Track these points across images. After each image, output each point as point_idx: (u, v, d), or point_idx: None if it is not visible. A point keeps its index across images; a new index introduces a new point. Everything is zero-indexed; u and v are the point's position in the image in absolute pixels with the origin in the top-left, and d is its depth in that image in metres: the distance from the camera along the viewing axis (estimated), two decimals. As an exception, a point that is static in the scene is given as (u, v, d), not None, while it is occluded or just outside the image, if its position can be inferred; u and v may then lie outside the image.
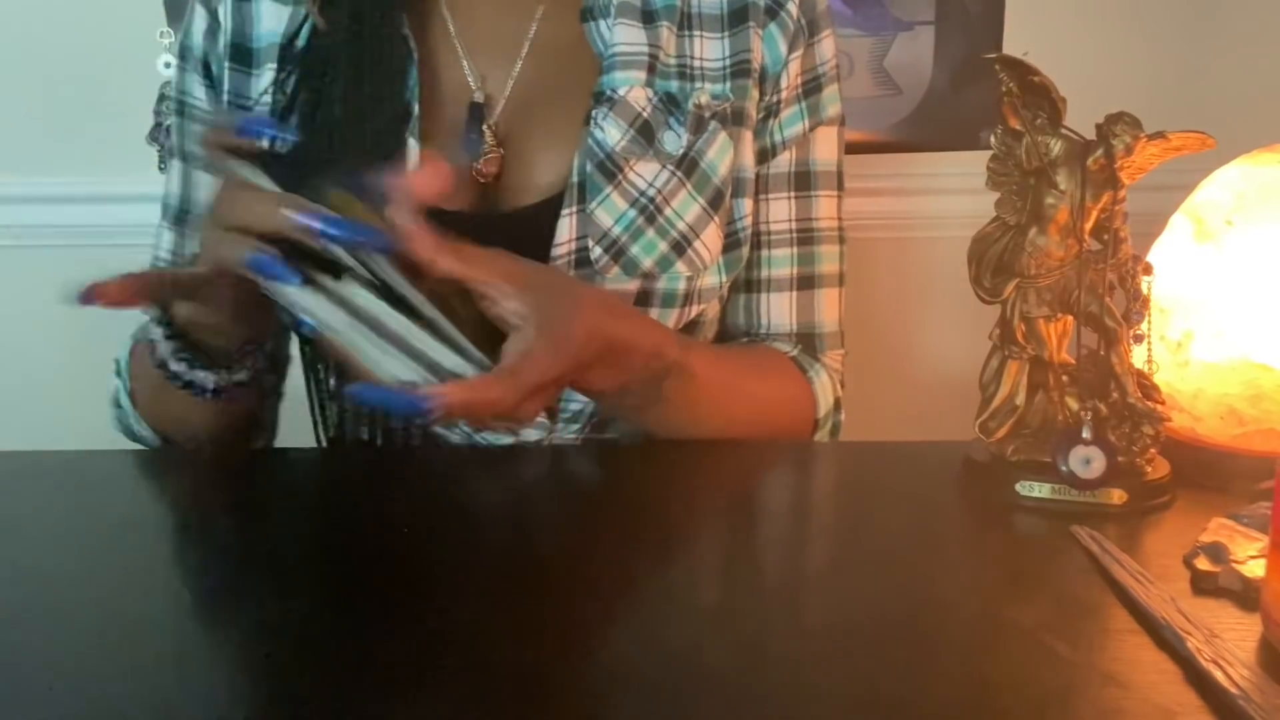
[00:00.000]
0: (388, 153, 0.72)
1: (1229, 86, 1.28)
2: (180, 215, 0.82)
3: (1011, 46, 1.28)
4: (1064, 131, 0.60)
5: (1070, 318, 0.62)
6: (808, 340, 0.83)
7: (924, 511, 0.63)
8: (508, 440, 0.75)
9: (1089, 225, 0.60)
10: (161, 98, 1.33)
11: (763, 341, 0.84)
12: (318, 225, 0.53)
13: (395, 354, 0.54)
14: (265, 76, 0.76)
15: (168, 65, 1.32)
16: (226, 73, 0.78)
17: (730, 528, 0.63)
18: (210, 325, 0.64)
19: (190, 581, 0.56)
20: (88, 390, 1.44)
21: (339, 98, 0.72)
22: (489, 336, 0.57)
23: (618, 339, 0.62)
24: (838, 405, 0.83)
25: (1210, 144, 0.61)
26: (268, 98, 0.76)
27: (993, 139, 0.62)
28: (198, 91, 0.79)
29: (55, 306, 1.56)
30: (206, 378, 0.66)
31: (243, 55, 0.77)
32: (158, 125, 1.33)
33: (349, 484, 0.70)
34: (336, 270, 0.55)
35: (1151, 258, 0.66)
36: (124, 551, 0.59)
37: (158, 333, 0.65)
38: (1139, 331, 0.62)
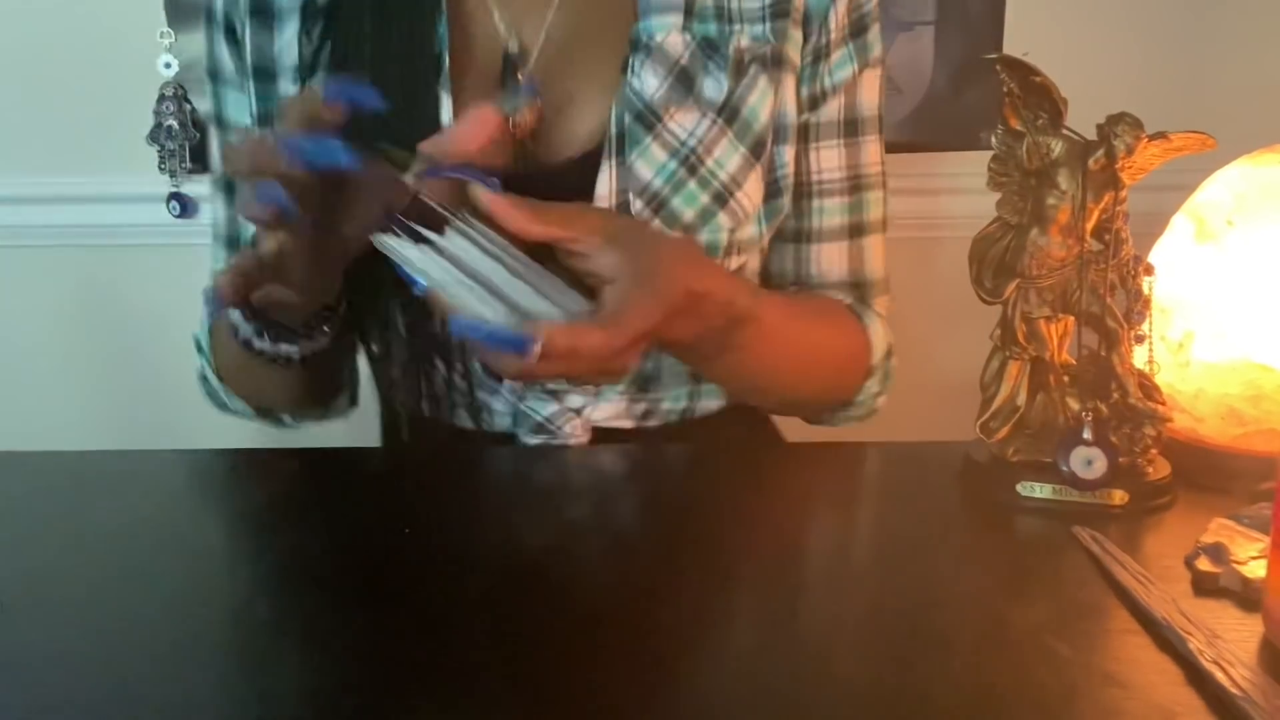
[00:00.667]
0: (418, 104, 0.71)
1: (1229, 87, 1.28)
2: (228, 185, 0.81)
3: (1012, 46, 1.28)
4: (1065, 132, 0.60)
5: (1071, 318, 0.62)
6: (859, 289, 0.82)
7: (925, 512, 0.63)
8: (550, 408, 0.75)
9: (1090, 225, 0.60)
10: (161, 98, 1.33)
11: (814, 289, 0.82)
12: (292, 150, 0.52)
13: (500, 308, 0.53)
14: (289, 32, 0.74)
15: (167, 65, 1.32)
16: (249, 31, 0.75)
17: (732, 528, 0.63)
18: (285, 302, 0.63)
19: (192, 581, 0.56)
20: (88, 390, 1.45)
21: (366, 48, 0.71)
22: (581, 292, 0.57)
23: (697, 288, 0.61)
24: (890, 352, 0.80)
25: (1211, 144, 0.61)
26: (292, 50, 0.74)
27: (994, 139, 0.62)
28: (223, 54, 0.78)
29: (55, 306, 1.57)
30: (291, 350, 0.66)
31: (264, 11, 0.75)
32: (158, 125, 1.33)
33: (362, 485, 0.70)
34: (440, 227, 0.54)
35: (1152, 258, 0.66)
36: (125, 552, 0.59)
37: (236, 315, 0.65)
38: (1140, 332, 0.62)
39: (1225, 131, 0.62)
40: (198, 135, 1.34)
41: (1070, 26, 1.28)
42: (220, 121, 0.80)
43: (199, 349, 0.79)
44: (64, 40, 1.33)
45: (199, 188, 1.35)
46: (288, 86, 0.75)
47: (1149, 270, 0.63)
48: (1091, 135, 0.60)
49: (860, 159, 0.81)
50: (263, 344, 0.65)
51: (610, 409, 0.77)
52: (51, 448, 0.72)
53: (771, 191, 0.78)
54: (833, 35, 0.77)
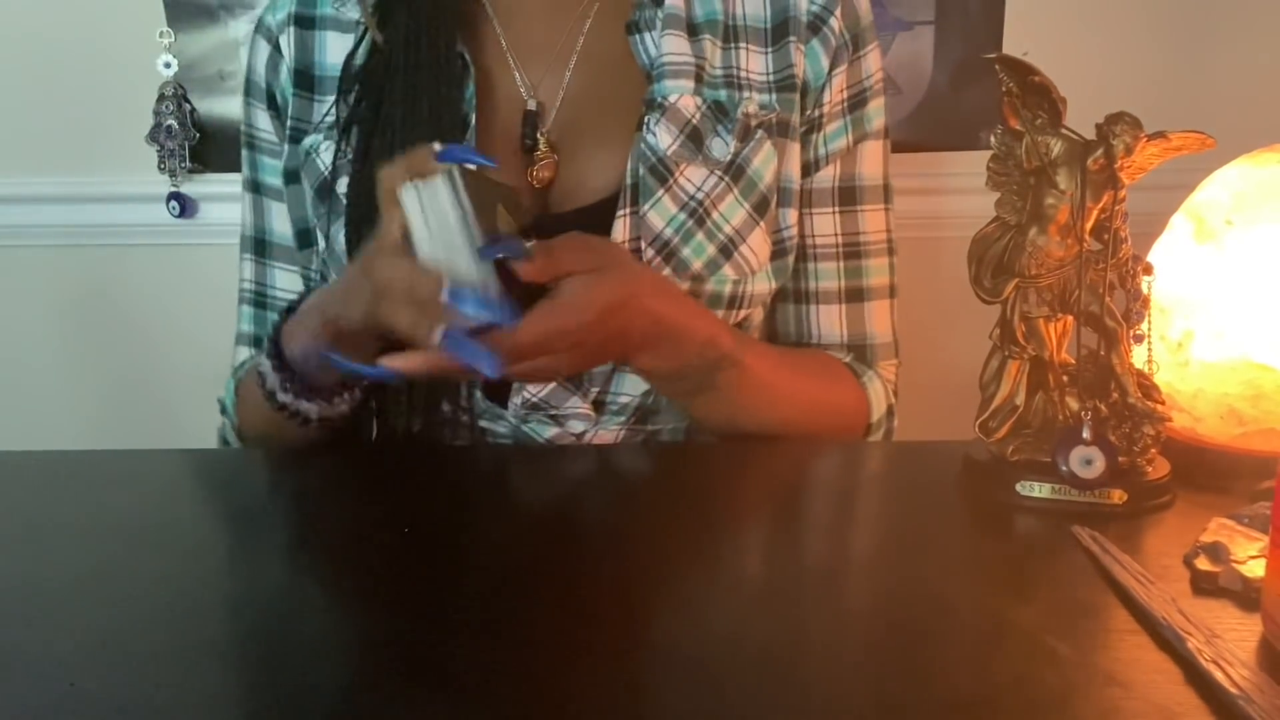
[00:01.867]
0: None
1: (1229, 86, 1.28)
2: (258, 245, 0.85)
3: (1011, 46, 1.28)
4: (1064, 131, 0.60)
5: (1070, 318, 0.62)
6: (860, 351, 0.84)
7: (924, 511, 0.63)
8: (551, 430, 0.76)
9: (1089, 225, 0.60)
10: (161, 97, 1.33)
11: (815, 349, 0.84)
12: (453, 299, 0.57)
13: (442, 250, 0.58)
14: (329, 98, 0.79)
15: (167, 65, 1.32)
16: (291, 100, 0.80)
17: (731, 528, 0.63)
18: (323, 365, 0.67)
19: (192, 580, 0.56)
20: (87, 390, 1.45)
21: (398, 109, 0.75)
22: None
23: (669, 321, 0.65)
24: (890, 412, 0.83)
25: (1210, 144, 0.61)
26: (330, 113, 0.79)
27: (993, 139, 0.62)
28: (262, 123, 0.83)
29: (55, 306, 1.57)
30: (311, 408, 0.70)
31: (307, 82, 0.80)
32: (157, 125, 1.33)
33: (364, 483, 0.70)
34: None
35: (1152, 258, 0.66)
36: (124, 551, 0.59)
37: (267, 365, 0.69)
38: (1139, 331, 0.62)
39: (1225, 131, 0.62)
40: (197, 135, 1.34)
41: (1070, 26, 1.29)
42: (256, 186, 0.85)
43: (222, 410, 0.81)
44: (64, 40, 1.33)
45: (199, 187, 1.36)
46: (319, 142, 0.79)
47: (1148, 270, 0.63)
48: (1090, 135, 0.60)
49: (858, 227, 0.83)
50: (285, 398, 0.69)
51: (609, 436, 0.78)
52: (51, 448, 0.72)
53: (778, 250, 0.80)
54: (826, 109, 0.80)
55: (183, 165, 1.34)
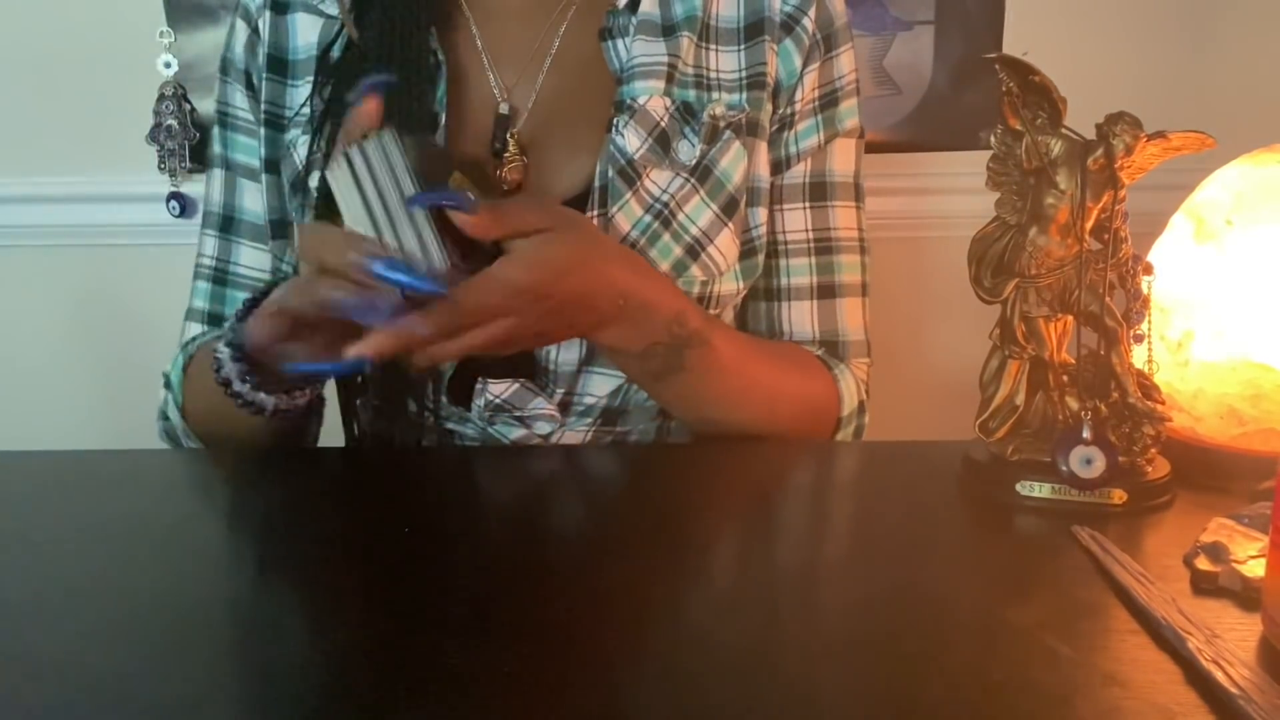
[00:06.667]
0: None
1: (1229, 86, 1.28)
2: (225, 221, 0.85)
3: (1011, 46, 1.28)
4: (1064, 131, 0.60)
5: (1070, 317, 0.62)
6: (831, 347, 0.84)
7: (924, 511, 0.63)
8: (517, 432, 0.76)
9: (1089, 225, 0.60)
10: (161, 98, 1.33)
11: None
12: (381, 271, 0.56)
13: (378, 219, 0.57)
14: (303, 88, 0.79)
15: (167, 65, 1.32)
16: (265, 83, 0.80)
17: (730, 527, 0.63)
18: (282, 355, 0.66)
19: (191, 581, 0.56)
20: (87, 390, 1.45)
21: None
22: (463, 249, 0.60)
23: (636, 295, 0.64)
24: (862, 408, 0.83)
25: (1210, 144, 0.61)
26: (305, 105, 0.79)
27: (993, 139, 0.62)
28: (239, 101, 0.83)
29: (55, 306, 1.57)
30: (267, 400, 0.68)
31: (280, 66, 0.80)
32: (157, 125, 1.34)
33: (358, 484, 0.70)
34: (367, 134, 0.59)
35: (1152, 257, 0.66)
36: (123, 552, 0.59)
37: (225, 353, 0.67)
38: (1139, 331, 0.62)
39: (1225, 131, 0.62)
40: (197, 135, 1.34)
41: (1070, 26, 1.29)
42: (228, 163, 0.84)
43: (166, 384, 0.79)
44: (64, 40, 1.33)
45: (199, 187, 1.35)
46: (298, 137, 0.79)
47: (1148, 269, 0.63)
48: (1090, 135, 0.60)
49: (829, 222, 0.83)
50: (241, 388, 0.67)
51: (577, 438, 0.78)
52: (51, 448, 0.72)
53: (747, 250, 0.80)
54: (798, 107, 0.81)
55: (183, 165, 1.34)
